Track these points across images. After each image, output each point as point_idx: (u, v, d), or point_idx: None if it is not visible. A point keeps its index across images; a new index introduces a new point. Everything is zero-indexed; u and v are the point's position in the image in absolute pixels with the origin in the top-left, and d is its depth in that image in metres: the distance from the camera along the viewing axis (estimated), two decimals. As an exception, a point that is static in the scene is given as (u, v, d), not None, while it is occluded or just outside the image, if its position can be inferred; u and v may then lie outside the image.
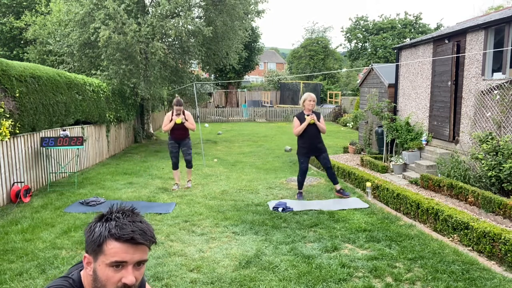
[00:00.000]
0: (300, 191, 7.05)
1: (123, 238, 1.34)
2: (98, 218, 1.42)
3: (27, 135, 7.19)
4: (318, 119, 6.88)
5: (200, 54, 14.63)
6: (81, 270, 1.47)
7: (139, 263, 1.38)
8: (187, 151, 7.79)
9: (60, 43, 13.82)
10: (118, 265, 1.34)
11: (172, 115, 7.54)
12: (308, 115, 6.79)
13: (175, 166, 7.78)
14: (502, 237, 4.14)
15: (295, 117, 6.98)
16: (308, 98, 6.87)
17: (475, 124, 7.56)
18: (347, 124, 22.61)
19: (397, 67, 10.84)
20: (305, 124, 6.77)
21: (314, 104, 6.86)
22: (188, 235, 5.08)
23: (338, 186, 7.05)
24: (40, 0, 17.64)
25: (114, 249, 1.34)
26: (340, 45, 38.85)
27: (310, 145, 6.91)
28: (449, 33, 8.62)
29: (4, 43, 19.22)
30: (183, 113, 7.55)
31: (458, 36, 8.33)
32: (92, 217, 5.72)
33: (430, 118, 9.24)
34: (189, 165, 7.88)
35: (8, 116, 6.46)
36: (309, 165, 10.51)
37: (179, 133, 7.64)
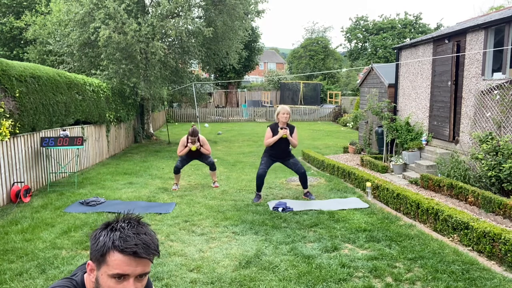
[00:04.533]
0: (258, 193, 6.87)
1: (126, 252, 1.32)
2: (104, 226, 1.40)
3: (27, 135, 7.19)
4: (292, 132, 6.74)
5: (200, 54, 14.63)
6: (85, 272, 1.47)
7: (141, 275, 1.37)
8: (207, 159, 7.79)
9: (60, 43, 13.82)
10: (120, 276, 1.34)
11: (188, 141, 7.49)
12: (281, 128, 6.65)
13: (177, 171, 7.69)
14: (502, 237, 4.14)
15: (268, 127, 6.83)
16: (282, 111, 6.69)
17: (475, 124, 7.56)
18: (347, 124, 22.61)
19: (397, 67, 10.84)
20: (277, 137, 6.64)
21: (288, 117, 6.67)
22: (188, 235, 5.07)
23: (305, 190, 7.03)
24: (40, 0, 17.64)
25: (117, 261, 1.33)
26: (340, 45, 38.89)
27: (277, 153, 6.85)
28: (449, 33, 8.62)
29: (4, 43, 19.23)
30: (198, 140, 7.54)
31: (458, 36, 8.33)
32: (92, 217, 5.73)
33: (430, 118, 9.24)
34: (212, 167, 7.87)
35: (8, 116, 6.46)
36: (310, 165, 10.51)
37: (195, 154, 7.67)
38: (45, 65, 14.03)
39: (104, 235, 1.36)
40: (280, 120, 6.70)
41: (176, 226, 5.39)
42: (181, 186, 7.84)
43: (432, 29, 32.76)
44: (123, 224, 1.38)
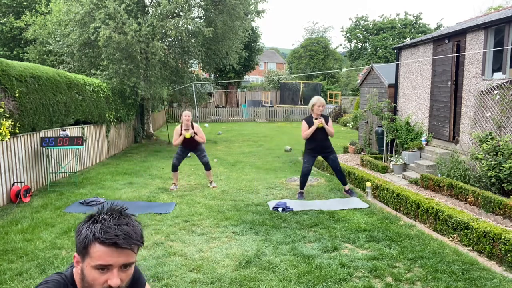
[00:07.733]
0: (301, 191, 7.04)
1: (106, 243, 1.33)
2: (87, 219, 1.42)
3: (27, 135, 7.19)
4: (327, 122, 6.86)
5: (200, 54, 14.63)
6: (73, 267, 1.50)
7: (125, 266, 1.38)
8: (202, 154, 7.69)
9: (60, 43, 13.82)
10: (103, 268, 1.35)
11: (181, 129, 7.41)
12: (316, 119, 6.77)
13: (174, 168, 7.61)
14: (502, 237, 4.14)
15: (303, 121, 6.93)
16: (317, 103, 6.80)
17: (475, 124, 7.56)
18: (347, 124, 22.61)
19: (397, 67, 10.84)
20: (313, 128, 6.74)
21: (323, 109, 6.82)
22: (188, 235, 5.07)
23: (347, 187, 7.09)
24: (40, 0, 17.65)
25: (99, 253, 1.34)
26: (340, 45, 38.92)
27: (317, 147, 6.93)
28: (449, 33, 8.62)
29: (4, 43, 19.23)
30: (192, 127, 7.47)
31: (458, 36, 8.33)
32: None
33: (430, 118, 9.24)
34: (207, 167, 7.78)
35: (8, 116, 6.46)
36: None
37: (190, 145, 7.57)
38: (45, 65, 14.03)
39: (86, 227, 1.38)
40: (315, 112, 6.83)
41: (176, 226, 5.39)
42: (181, 186, 7.84)
43: (432, 29, 32.77)
44: (105, 216, 1.39)
